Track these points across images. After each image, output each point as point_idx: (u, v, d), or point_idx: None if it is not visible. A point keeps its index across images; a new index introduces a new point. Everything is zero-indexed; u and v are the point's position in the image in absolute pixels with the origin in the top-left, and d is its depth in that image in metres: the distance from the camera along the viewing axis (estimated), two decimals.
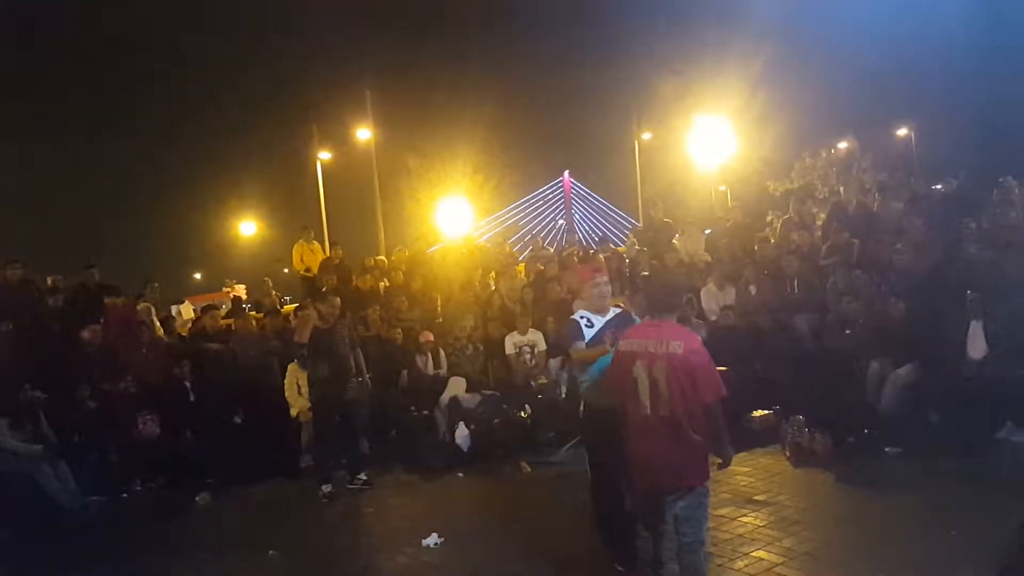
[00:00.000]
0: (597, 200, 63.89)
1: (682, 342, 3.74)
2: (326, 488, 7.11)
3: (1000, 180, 9.82)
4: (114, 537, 6.74)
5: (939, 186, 11.01)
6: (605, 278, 4.86)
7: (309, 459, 7.91)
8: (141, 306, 10.04)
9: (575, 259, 11.65)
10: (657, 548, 4.00)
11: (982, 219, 8.60)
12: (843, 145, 31.38)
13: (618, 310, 4.91)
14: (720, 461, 4.03)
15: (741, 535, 5.20)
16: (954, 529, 4.95)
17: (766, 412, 7.68)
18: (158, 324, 9.99)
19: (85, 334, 8.64)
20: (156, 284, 10.78)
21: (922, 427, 6.96)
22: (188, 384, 8.61)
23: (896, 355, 7.43)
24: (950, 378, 7.07)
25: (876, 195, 11.38)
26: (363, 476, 7.37)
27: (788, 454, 6.95)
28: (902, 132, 33.04)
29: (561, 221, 64.50)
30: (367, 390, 7.72)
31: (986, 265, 7.79)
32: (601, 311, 4.76)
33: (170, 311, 11.67)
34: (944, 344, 7.31)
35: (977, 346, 7.12)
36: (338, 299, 7.64)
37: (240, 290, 15.50)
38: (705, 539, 3.89)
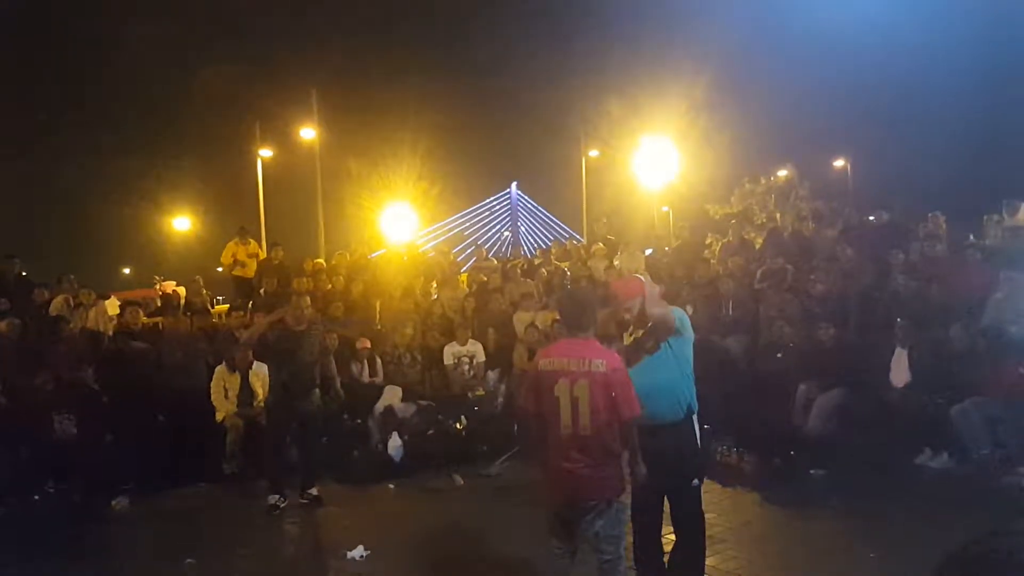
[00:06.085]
0: (543, 214, 64.36)
1: (604, 360, 3.77)
2: (273, 499, 6.75)
3: (928, 214, 10.23)
4: (21, 541, 6.36)
5: (872, 217, 11.37)
6: (635, 301, 4.20)
7: (234, 465, 7.66)
8: (57, 299, 9.61)
9: (519, 271, 11.67)
10: (570, 566, 3.96)
11: (910, 251, 8.92)
12: (782, 173, 32.39)
13: None
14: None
15: (665, 552, 5.21)
16: (873, 551, 5.07)
17: None
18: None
19: (1, 326, 8.23)
20: (72, 276, 10.37)
21: (846, 450, 7.13)
22: (96, 386, 8.11)
23: (824, 379, 7.60)
24: (874, 403, 7.28)
25: (811, 223, 11.70)
26: (313, 491, 6.96)
27: (716, 473, 7.04)
28: (839, 164, 34.28)
29: (507, 233, 64.73)
30: (340, 399, 7.45)
31: (912, 295, 8.06)
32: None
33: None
34: (870, 370, 7.54)
35: (900, 374, 7.37)
36: (308, 301, 7.27)
37: (169, 286, 14.96)
38: (624, 555, 3.89)
